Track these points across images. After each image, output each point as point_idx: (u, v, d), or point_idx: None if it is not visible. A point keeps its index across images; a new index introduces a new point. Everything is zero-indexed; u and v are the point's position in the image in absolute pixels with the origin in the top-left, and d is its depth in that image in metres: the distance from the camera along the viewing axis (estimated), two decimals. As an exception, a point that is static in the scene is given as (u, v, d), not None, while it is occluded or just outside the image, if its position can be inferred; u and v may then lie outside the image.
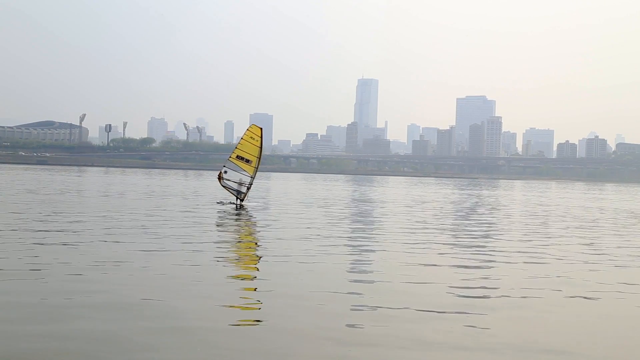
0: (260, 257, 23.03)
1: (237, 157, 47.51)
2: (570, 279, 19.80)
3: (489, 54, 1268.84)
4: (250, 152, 47.43)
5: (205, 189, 79.30)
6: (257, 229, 33.96)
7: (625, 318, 14.95)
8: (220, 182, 47.75)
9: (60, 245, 23.11)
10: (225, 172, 47.47)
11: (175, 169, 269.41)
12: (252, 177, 47.61)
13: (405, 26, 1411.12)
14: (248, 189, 47.46)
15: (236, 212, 42.71)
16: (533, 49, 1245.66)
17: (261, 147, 47.74)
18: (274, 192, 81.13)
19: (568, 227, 39.35)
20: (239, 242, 28.28)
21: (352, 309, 14.56)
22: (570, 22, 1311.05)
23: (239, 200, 47.06)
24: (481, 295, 16.62)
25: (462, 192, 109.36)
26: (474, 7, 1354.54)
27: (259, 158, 47.59)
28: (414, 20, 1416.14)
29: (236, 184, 47.36)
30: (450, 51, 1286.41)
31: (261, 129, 48.26)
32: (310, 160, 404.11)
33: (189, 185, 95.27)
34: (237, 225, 35.57)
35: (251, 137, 47.55)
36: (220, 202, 48.83)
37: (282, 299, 15.36)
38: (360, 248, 25.75)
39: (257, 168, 47.54)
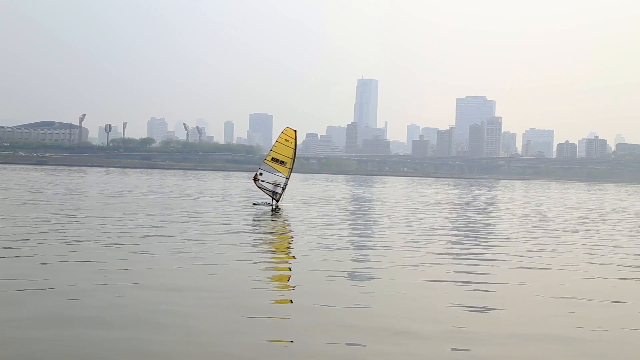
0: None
1: (272, 159, 48.29)
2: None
3: (489, 54, 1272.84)
4: (285, 154, 48.18)
5: (216, 190, 79.55)
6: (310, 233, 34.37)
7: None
8: (255, 183, 48.51)
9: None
10: (261, 174, 48.24)
11: (175, 169, 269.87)
12: (287, 178, 48.24)
13: (405, 26, 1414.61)
14: (283, 189, 48.09)
15: (271, 214, 43.25)
16: (533, 49, 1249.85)
17: (295, 149, 48.47)
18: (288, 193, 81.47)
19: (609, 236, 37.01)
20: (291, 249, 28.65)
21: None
22: (571, 22, 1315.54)
23: (274, 200, 47.78)
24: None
25: (465, 192, 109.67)
26: (475, 7, 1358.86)
27: (293, 159, 48.35)
28: (414, 20, 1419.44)
29: (271, 185, 48.03)
30: (450, 51, 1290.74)
31: (295, 131, 48.80)
32: (310, 161, 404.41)
33: (209, 185, 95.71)
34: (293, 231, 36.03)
35: (286, 140, 48.25)
36: (256, 203, 49.52)
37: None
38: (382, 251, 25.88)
39: (291, 169, 48.28)
